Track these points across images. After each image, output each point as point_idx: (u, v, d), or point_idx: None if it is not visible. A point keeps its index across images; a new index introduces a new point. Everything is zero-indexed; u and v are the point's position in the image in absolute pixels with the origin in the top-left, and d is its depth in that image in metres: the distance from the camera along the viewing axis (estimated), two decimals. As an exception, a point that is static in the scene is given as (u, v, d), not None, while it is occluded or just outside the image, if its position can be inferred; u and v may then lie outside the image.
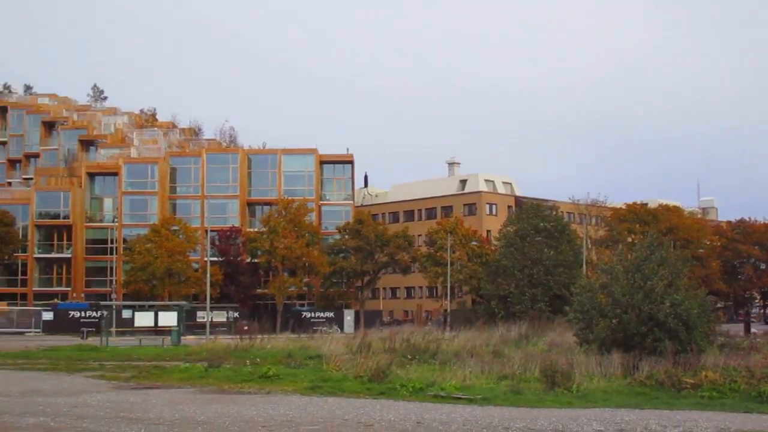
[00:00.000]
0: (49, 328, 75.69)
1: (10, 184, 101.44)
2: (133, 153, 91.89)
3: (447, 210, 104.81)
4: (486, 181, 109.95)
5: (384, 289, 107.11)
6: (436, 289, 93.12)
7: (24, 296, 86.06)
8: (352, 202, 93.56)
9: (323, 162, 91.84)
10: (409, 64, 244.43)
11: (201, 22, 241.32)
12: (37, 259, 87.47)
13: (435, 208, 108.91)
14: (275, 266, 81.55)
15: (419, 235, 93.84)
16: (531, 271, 73.30)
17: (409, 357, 34.98)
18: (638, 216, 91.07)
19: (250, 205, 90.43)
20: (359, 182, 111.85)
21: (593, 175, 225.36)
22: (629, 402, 22.89)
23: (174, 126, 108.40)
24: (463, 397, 23.88)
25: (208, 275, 64.89)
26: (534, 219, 76.70)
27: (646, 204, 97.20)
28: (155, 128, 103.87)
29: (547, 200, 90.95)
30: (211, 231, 77.19)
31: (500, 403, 22.97)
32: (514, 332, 50.24)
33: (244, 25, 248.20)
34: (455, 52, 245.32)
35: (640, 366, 28.05)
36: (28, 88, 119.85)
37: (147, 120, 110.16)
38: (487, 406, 22.28)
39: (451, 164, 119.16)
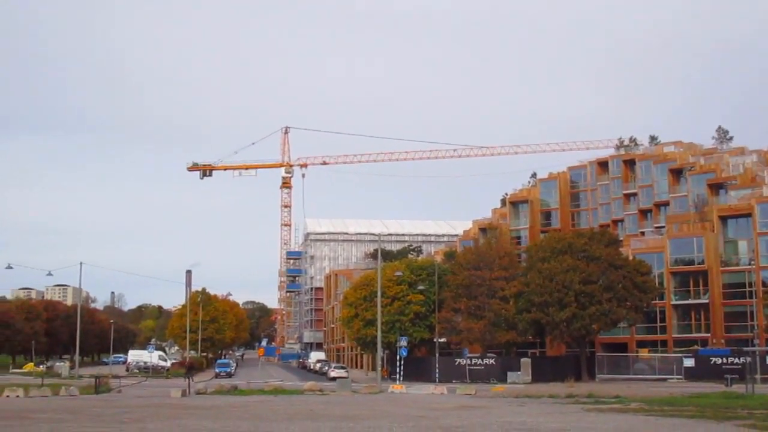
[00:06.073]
0: (690, 374, 75.76)
1: (642, 233, 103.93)
2: (765, 192, 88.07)
3: None
4: None
5: None
6: None
7: (663, 343, 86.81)
8: None
9: None
10: None
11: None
12: (674, 305, 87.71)
13: None
14: None
15: None
16: None
17: None
18: None
19: None
20: None
21: None
22: None
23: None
24: None
25: None
26: None
27: None
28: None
29: None
30: None
31: None
32: None
33: None
34: None
35: None
36: (653, 138, 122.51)
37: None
38: None
39: None
